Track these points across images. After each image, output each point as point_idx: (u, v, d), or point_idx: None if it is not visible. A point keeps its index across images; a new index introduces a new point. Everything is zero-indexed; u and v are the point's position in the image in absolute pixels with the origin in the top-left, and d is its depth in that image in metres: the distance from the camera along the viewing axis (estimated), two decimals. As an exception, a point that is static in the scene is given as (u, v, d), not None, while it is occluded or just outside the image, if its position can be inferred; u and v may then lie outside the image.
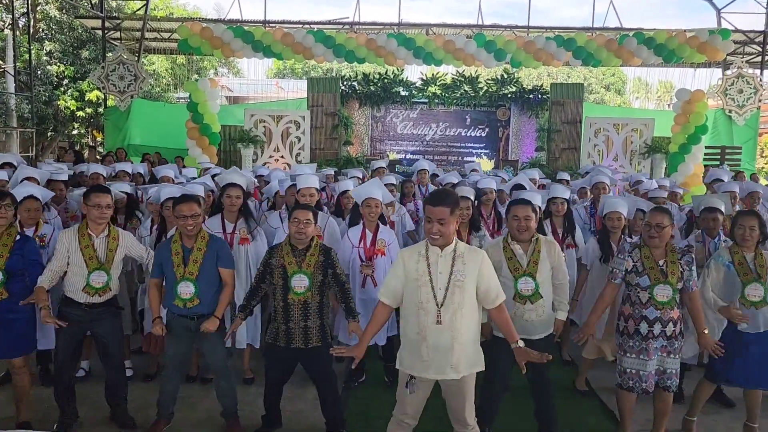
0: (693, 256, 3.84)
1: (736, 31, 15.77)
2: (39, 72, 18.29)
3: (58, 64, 18.91)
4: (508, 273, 3.73)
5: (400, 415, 3.27)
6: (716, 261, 4.09)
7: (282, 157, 13.53)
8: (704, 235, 4.87)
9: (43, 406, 4.32)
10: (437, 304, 3.03)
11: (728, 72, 15.64)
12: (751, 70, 15.46)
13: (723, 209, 4.67)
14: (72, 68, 18.97)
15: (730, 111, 15.16)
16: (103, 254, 3.94)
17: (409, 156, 14.49)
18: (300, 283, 3.75)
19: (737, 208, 6.10)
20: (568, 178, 8.47)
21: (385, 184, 5.78)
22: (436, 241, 3.05)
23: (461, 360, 3.08)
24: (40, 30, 19.18)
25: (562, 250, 4.79)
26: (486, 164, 13.88)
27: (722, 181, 7.19)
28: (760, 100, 15.24)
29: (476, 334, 3.18)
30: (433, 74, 14.73)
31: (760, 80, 15.35)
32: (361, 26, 17.04)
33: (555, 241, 4.02)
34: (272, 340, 3.89)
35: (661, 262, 3.77)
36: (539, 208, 4.94)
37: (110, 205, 3.99)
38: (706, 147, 13.41)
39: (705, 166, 12.78)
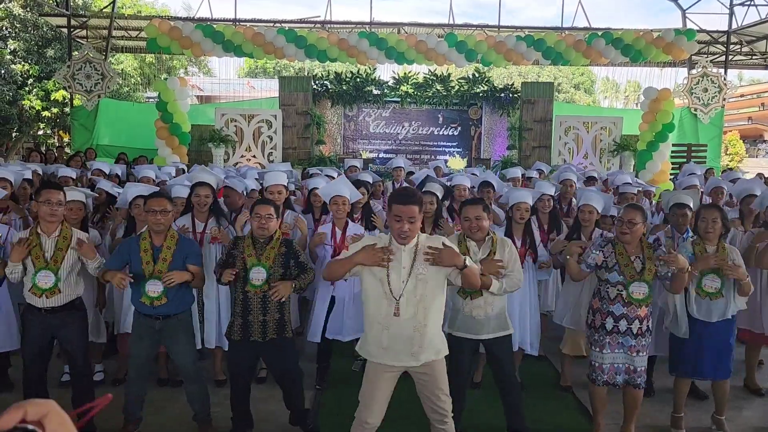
0: (663, 249, 3.90)
1: (701, 31, 16.07)
2: (2, 71, 17.86)
3: (23, 63, 18.45)
4: None
5: (363, 415, 3.23)
6: (680, 253, 4.17)
7: (254, 156, 13.38)
8: (673, 231, 4.96)
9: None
10: (395, 297, 3.06)
11: (693, 71, 15.95)
12: (715, 70, 15.77)
13: (692, 205, 4.75)
14: (37, 67, 18.53)
15: (695, 109, 15.47)
16: (50, 253, 3.80)
17: (382, 155, 14.47)
18: (257, 275, 3.72)
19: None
20: (542, 168, 8.62)
21: (359, 180, 5.77)
22: (405, 240, 3.07)
23: (423, 348, 3.10)
24: (4, 28, 18.69)
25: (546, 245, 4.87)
26: (459, 162, 13.94)
27: (695, 174, 7.60)
28: (724, 99, 15.59)
29: (440, 322, 3.22)
30: (405, 73, 14.73)
31: (724, 79, 15.69)
32: (332, 25, 16.95)
33: (509, 239, 3.97)
34: (228, 335, 3.87)
35: (633, 259, 3.82)
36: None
37: (61, 202, 3.85)
38: (673, 145, 13.66)
39: (672, 163, 13.04)
